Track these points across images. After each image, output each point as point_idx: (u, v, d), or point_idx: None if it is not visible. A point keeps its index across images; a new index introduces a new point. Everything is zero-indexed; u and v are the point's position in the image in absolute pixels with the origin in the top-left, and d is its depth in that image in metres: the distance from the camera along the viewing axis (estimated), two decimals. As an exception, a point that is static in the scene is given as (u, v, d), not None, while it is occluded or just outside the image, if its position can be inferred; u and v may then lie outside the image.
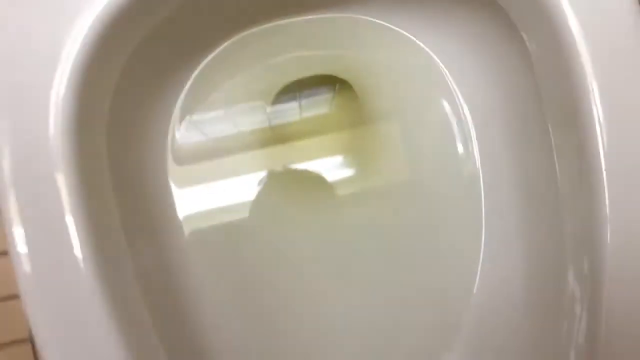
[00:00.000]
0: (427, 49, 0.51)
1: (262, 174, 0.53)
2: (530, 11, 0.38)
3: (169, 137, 0.50)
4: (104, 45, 0.36)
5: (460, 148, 0.52)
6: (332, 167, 0.55)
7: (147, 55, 0.43)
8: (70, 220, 0.35)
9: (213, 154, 0.51)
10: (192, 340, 0.48)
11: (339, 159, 0.55)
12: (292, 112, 0.56)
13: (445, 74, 0.51)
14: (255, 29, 0.50)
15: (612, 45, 0.35)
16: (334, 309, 0.52)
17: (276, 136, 0.54)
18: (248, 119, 0.53)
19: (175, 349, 0.44)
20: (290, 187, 0.54)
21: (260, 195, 0.52)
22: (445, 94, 0.52)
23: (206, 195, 0.51)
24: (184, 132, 0.50)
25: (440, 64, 0.51)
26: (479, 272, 0.50)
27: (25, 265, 0.34)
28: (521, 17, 0.40)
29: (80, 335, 0.35)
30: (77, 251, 0.35)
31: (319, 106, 0.57)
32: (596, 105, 0.35)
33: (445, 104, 0.52)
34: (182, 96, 0.49)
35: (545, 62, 0.40)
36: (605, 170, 0.34)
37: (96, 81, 0.37)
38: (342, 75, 0.55)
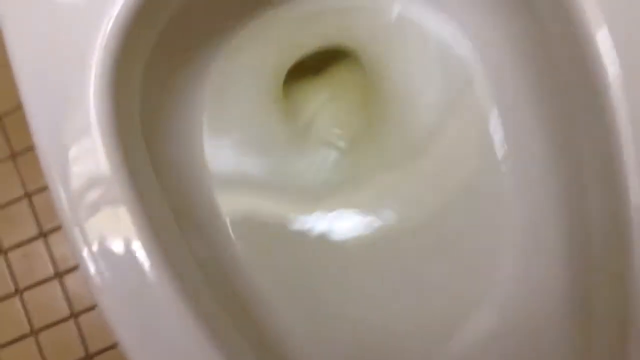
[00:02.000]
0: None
1: (294, 165, 0.55)
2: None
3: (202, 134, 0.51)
4: (126, 44, 0.37)
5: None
6: (352, 149, 0.57)
7: (164, 54, 0.44)
8: (132, 228, 0.36)
9: (242, 152, 0.53)
10: (264, 333, 0.50)
11: (358, 139, 0.57)
12: (305, 99, 0.59)
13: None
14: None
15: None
16: (380, 285, 0.53)
17: (297, 129, 0.56)
18: (266, 115, 0.54)
19: (255, 343, 0.46)
20: (320, 175, 0.56)
21: (294, 188, 0.54)
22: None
23: (243, 190, 0.52)
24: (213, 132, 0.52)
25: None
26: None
27: (102, 289, 0.36)
28: None
29: (167, 339, 0.36)
30: (145, 260, 0.36)
31: (327, 86, 0.59)
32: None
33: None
34: (205, 93, 0.51)
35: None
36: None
37: (125, 79, 0.38)
38: (348, 45, 0.56)
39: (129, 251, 0.36)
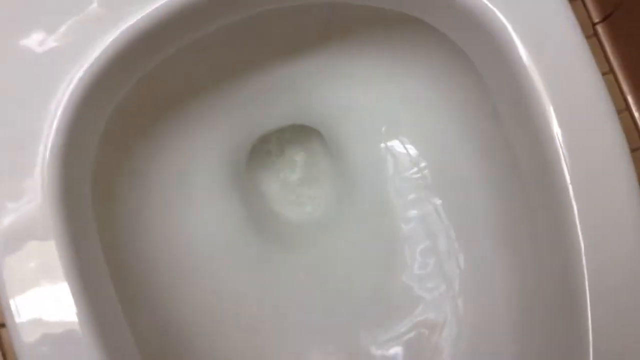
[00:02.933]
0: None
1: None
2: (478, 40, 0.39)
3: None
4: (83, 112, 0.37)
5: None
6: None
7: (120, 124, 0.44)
8: (66, 289, 0.35)
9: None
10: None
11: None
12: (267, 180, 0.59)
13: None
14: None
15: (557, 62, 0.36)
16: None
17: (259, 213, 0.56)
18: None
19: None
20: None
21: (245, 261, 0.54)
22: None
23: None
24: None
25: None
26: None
27: (24, 337, 0.34)
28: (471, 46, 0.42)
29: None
30: (74, 318, 0.35)
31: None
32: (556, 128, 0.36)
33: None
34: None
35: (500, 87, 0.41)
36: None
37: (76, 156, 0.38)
38: (312, 125, 0.57)
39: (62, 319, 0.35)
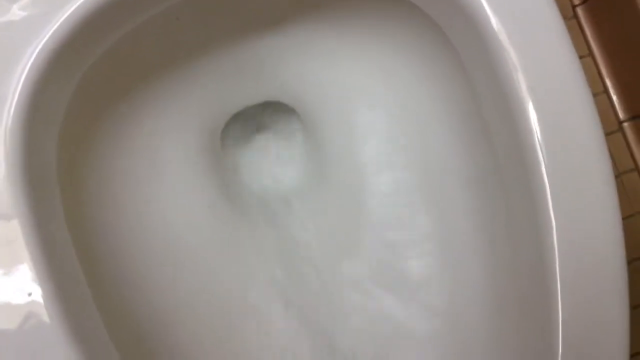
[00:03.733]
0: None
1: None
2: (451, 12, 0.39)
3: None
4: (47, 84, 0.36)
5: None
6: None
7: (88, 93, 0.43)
8: (31, 270, 0.34)
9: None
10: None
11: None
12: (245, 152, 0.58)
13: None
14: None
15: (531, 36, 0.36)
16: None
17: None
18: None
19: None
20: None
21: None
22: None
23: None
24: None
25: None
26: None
27: None
28: (443, 17, 0.41)
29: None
30: (40, 300, 0.34)
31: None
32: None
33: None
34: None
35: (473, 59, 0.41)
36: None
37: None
38: (286, 101, 0.56)
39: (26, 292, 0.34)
